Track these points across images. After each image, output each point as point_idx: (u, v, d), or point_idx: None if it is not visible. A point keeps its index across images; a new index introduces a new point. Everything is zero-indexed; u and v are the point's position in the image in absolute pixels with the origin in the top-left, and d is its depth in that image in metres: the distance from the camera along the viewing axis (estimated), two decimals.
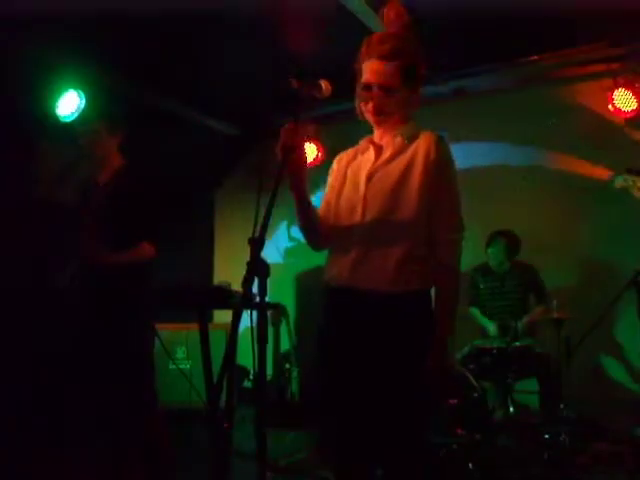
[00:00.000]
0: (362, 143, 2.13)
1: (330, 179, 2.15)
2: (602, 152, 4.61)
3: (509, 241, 4.36)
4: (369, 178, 2.01)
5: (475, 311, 4.47)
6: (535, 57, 4.58)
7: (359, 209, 1.98)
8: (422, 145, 1.98)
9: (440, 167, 1.96)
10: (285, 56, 3.88)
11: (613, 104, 4.36)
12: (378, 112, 1.99)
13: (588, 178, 4.67)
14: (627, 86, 4.29)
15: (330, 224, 2.06)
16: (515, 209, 4.75)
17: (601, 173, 4.62)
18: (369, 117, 2.04)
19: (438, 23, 3.62)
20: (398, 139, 2.02)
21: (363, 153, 2.11)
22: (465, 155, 5.08)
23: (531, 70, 4.74)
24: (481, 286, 4.45)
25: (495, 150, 5.06)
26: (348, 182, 2.07)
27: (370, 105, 2.00)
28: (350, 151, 2.17)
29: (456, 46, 4.31)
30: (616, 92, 4.33)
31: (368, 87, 1.99)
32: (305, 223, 2.03)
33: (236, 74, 4.69)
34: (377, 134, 2.10)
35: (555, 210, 4.71)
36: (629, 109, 4.32)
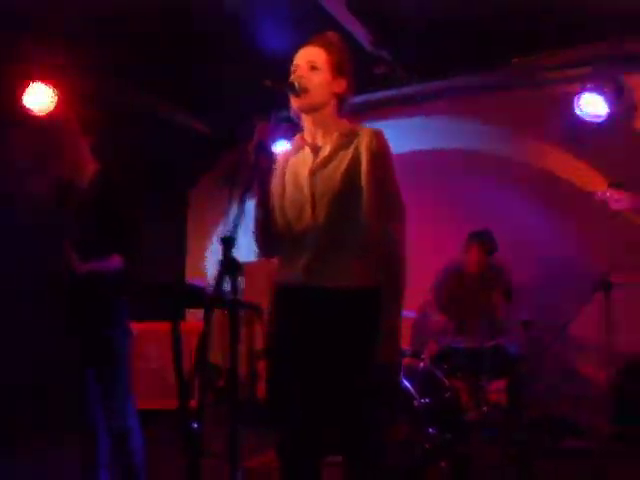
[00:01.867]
0: (294, 143, 2.10)
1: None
2: (574, 155, 4.68)
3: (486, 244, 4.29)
4: (312, 177, 1.98)
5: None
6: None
7: (308, 209, 1.96)
8: (363, 140, 1.97)
9: (382, 159, 1.96)
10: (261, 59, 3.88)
11: (583, 108, 4.34)
12: (301, 88, 1.95)
13: (557, 180, 4.75)
14: (596, 90, 4.27)
15: (278, 227, 2.02)
16: (488, 208, 4.80)
17: (569, 176, 4.70)
18: (294, 103, 1.99)
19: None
20: (335, 135, 2.00)
21: (296, 153, 2.08)
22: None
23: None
24: (453, 289, 4.35)
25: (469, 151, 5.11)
26: (288, 184, 2.04)
27: (294, 76, 1.98)
28: (283, 153, 2.15)
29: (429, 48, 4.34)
30: (585, 96, 4.32)
31: (295, 69, 2.00)
32: (264, 223, 1.99)
33: (213, 73, 4.66)
34: (309, 131, 2.07)
35: (525, 210, 4.77)
36: (598, 113, 4.32)
